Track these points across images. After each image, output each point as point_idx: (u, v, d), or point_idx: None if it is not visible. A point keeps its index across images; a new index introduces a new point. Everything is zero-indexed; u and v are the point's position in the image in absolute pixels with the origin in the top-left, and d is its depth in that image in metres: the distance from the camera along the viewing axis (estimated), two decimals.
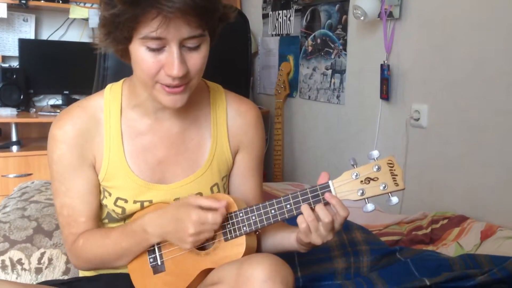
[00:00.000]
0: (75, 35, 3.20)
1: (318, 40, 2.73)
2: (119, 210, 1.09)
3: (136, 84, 1.07)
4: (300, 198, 0.98)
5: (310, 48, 2.81)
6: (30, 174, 2.72)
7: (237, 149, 1.16)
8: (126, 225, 1.09)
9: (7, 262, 1.36)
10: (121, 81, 1.13)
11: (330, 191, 0.97)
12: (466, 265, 1.32)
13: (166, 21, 0.88)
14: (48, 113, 2.89)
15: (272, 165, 3.00)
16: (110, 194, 1.09)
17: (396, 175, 0.95)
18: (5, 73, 2.83)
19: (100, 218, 1.14)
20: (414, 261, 1.34)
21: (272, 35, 3.15)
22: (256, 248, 1.06)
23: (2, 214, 1.54)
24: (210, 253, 1.03)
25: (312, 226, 0.96)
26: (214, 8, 0.94)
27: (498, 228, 1.64)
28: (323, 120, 2.74)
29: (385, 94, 2.23)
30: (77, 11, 2.98)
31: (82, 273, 1.22)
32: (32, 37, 3.08)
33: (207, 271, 1.03)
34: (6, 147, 2.74)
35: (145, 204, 1.09)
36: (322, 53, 2.71)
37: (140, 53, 0.94)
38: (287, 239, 1.09)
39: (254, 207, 1.01)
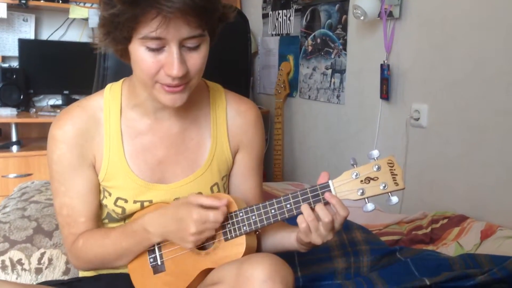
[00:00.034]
0: (75, 35, 3.20)
1: (318, 40, 2.73)
2: (119, 210, 1.09)
3: (135, 84, 1.07)
4: (300, 198, 0.98)
5: (310, 48, 2.81)
6: (30, 174, 2.72)
7: (237, 149, 1.16)
8: (126, 225, 1.09)
9: (7, 262, 1.36)
10: (121, 81, 1.13)
11: (330, 190, 0.97)
12: (466, 265, 1.32)
13: (165, 21, 0.88)
14: (48, 113, 2.89)
15: (272, 165, 3.01)
16: (110, 194, 1.09)
17: (396, 174, 0.95)
18: (5, 73, 2.84)
19: (100, 218, 1.14)
20: (414, 261, 1.34)
21: (272, 35, 3.15)
22: (256, 248, 1.06)
23: (2, 215, 1.54)
24: (210, 253, 1.03)
25: (312, 226, 0.96)
26: (213, 8, 0.94)
27: (498, 228, 1.64)
28: (323, 120, 2.74)
29: (385, 94, 2.23)
30: (77, 11, 2.99)
31: (82, 273, 1.22)
32: (32, 37, 3.08)
33: (207, 271, 1.03)
34: (6, 147, 2.74)
35: (145, 204, 1.09)
36: (322, 53, 2.71)
37: (140, 53, 0.94)
38: (287, 238, 1.09)
39: (254, 207, 1.01)
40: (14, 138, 2.77)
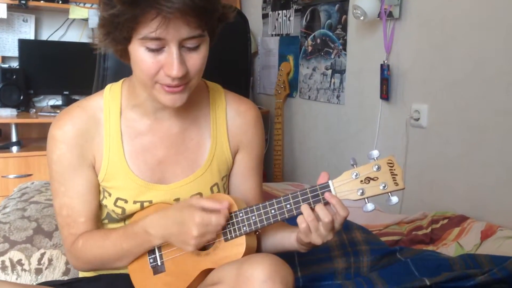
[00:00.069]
0: (75, 35, 3.20)
1: (318, 40, 2.73)
2: (119, 211, 1.09)
3: (135, 84, 1.07)
4: (300, 198, 0.98)
5: (310, 48, 2.81)
6: (30, 175, 2.72)
7: (237, 149, 1.16)
8: (127, 226, 1.09)
9: (7, 263, 1.36)
10: (121, 81, 1.13)
11: (330, 191, 0.97)
12: (466, 265, 1.32)
13: (165, 21, 0.88)
14: (48, 114, 2.89)
15: (272, 165, 3.01)
16: (110, 195, 1.09)
17: (396, 174, 0.95)
18: (5, 73, 2.84)
19: (100, 219, 1.14)
20: (414, 261, 1.34)
21: (272, 35, 3.15)
22: (256, 248, 1.06)
23: (2, 215, 1.54)
24: (210, 253, 1.03)
25: (312, 226, 0.96)
26: (213, 8, 0.94)
27: (498, 228, 1.64)
28: (323, 120, 2.74)
29: (385, 94, 2.23)
30: (76, 12, 2.99)
31: (82, 274, 1.22)
32: (32, 37, 3.08)
33: (207, 271, 1.03)
34: (6, 147, 2.74)
35: (145, 204, 1.09)
36: (322, 53, 2.71)
37: (140, 53, 0.94)
38: (287, 239, 1.09)
39: (254, 207, 1.01)
40: (14, 139, 2.77)
